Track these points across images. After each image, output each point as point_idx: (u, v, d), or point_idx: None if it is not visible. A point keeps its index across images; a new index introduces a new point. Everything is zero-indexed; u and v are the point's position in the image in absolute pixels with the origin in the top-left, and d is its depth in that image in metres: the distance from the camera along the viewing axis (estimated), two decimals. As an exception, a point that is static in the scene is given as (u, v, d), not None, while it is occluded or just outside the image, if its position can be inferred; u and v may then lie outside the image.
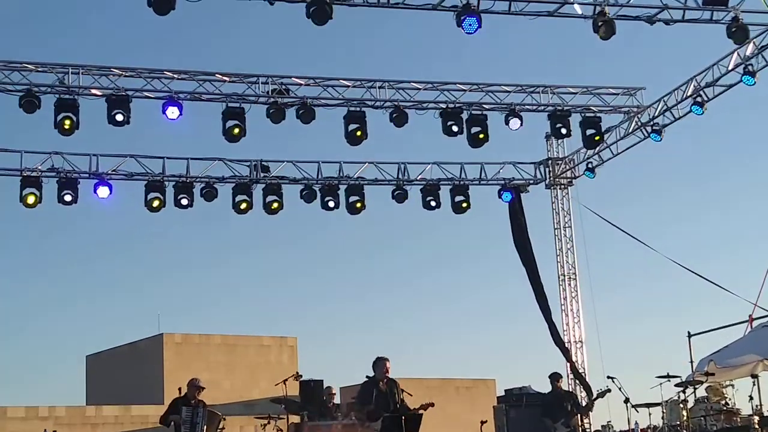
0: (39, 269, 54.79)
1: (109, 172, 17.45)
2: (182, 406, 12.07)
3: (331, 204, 18.62)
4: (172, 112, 15.77)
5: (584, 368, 21.07)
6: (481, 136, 17.45)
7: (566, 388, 15.06)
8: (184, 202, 17.59)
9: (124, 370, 40.00)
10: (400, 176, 19.36)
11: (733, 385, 17.16)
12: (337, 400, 17.83)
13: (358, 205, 18.80)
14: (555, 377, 14.44)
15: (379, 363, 12.21)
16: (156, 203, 17.51)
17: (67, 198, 16.85)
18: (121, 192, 17.83)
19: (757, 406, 16.03)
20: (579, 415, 14.61)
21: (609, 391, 14.54)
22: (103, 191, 17.17)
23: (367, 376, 12.42)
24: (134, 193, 17.73)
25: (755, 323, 18.81)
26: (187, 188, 17.70)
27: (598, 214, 21.07)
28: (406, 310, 60.10)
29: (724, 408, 16.33)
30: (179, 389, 12.64)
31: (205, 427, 12.05)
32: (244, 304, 58.97)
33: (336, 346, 57.10)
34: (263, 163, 18.43)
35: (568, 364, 19.88)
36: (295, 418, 15.52)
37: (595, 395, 14.75)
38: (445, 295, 61.10)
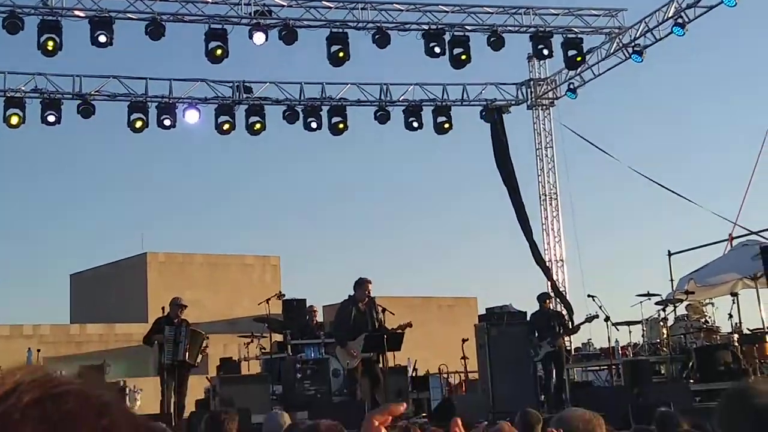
0: (22, 188, 54.49)
1: (92, 92, 17.28)
2: (165, 326, 12.10)
3: (314, 125, 18.50)
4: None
5: (565, 287, 21.32)
6: (464, 57, 17.39)
7: (554, 309, 15.27)
8: (167, 122, 17.48)
9: (108, 288, 40.15)
10: (383, 97, 19.20)
11: (713, 303, 17.45)
12: (320, 318, 18.03)
13: (341, 126, 18.68)
14: (544, 297, 14.63)
15: (361, 284, 12.31)
16: (139, 124, 17.39)
17: (51, 118, 16.83)
18: (104, 112, 17.77)
19: (736, 323, 16.31)
20: (564, 336, 14.82)
21: (596, 316, 14.73)
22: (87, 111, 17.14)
23: (349, 296, 12.52)
24: (117, 113, 17.64)
25: (735, 242, 19.02)
26: (170, 109, 17.56)
27: (580, 135, 21.05)
28: (389, 229, 60.39)
29: (704, 326, 16.62)
30: (162, 308, 12.68)
31: (188, 345, 12.09)
32: (227, 223, 59.08)
33: (319, 265, 57.49)
34: (246, 84, 18.24)
35: (549, 283, 20.08)
36: (277, 337, 15.71)
37: (582, 320, 14.94)
38: (428, 214, 61.37)
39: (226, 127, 17.89)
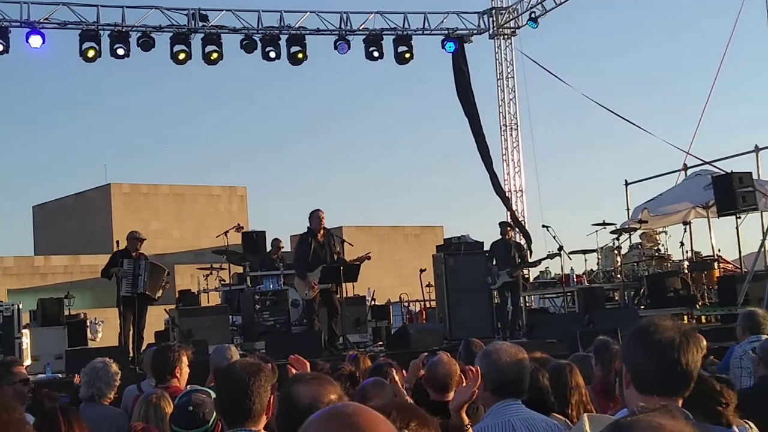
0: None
1: (41, 20, 16.84)
2: (123, 259, 12.08)
3: (272, 54, 18.23)
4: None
5: (524, 217, 21.57)
6: (425, -17, 17.12)
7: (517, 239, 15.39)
8: (121, 51, 17.05)
9: (72, 220, 39.83)
10: (343, 26, 18.96)
11: (666, 232, 17.80)
12: (287, 249, 18.12)
13: (300, 55, 18.44)
14: (505, 225, 14.60)
15: (314, 215, 12.39)
16: (91, 53, 16.97)
17: (-1, 48, 16.29)
18: (55, 41, 17.34)
19: (687, 251, 16.69)
20: (523, 267, 14.99)
21: (557, 254, 14.92)
22: (35, 40, 16.61)
23: (307, 228, 12.61)
24: (69, 42, 17.23)
25: (689, 171, 19.29)
26: (123, 38, 17.15)
27: (540, 65, 21.04)
28: (356, 159, 60.33)
29: (656, 254, 16.99)
30: (117, 242, 12.66)
31: (147, 279, 12.09)
32: (193, 154, 58.64)
33: (286, 196, 57.46)
34: (201, 11, 17.86)
35: (509, 213, 20.30)
36: (237, 269, 15.81)
37: (544, 255, 15.12)
38: (394, 144, 61.32)
39: (181, 56, 17.58)
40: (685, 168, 19.37)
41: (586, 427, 2.64)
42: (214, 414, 3.91)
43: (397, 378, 5.12)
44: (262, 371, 3.22)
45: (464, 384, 5.31)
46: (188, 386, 5.75)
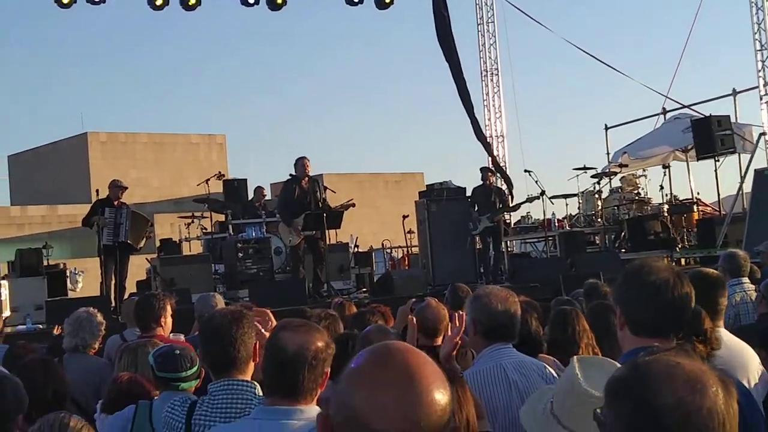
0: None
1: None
2: (104, 207, 11.94)
3: (251, 0, 17.88)
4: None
5: (505, 162, 21.54)
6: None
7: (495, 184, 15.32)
8: (95, -4, 16.64)
9: (48, 170, 39.44)
10: (322, -31, 18.61)
11: (645, 176, 17.86)
12: (269, 197, 18.03)
13: (279, 0, 18.11)
14: (486, 171, 14.54)
15: (299, 162, 12.32)
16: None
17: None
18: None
19: (667, 194, 16.77)
20: (504, 212, 14.98)
21: (537, 198, 14.91)
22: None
23: (290, 175, 12.53)
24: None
25: (668, 115, 19.31)
26: (98, -18, 16.72)
27: (521, 9, 20.80)
28: (336, 106, 59.94)
29: (636, 197, 17.05)
30: (97, 191, 12.50)
31: (129, 228, 11.97)
32: (171, 101, 58.02)
33: (266, 144, 57.11)
34: (178, -46, 17.43)
35: (490, 159, 20.24)
36: (219, 217, 15.70)
37: (524, 199, 15.10)
38: (374, 90, 60.93)
39: (158, 2, 17.22)
40: (664, 112, 19.39)
41: (576, 369, 2.62)
42: (198, 360, 3.88)
43: (380, 324, 5.10)
44: (244, 318, 3.19)
45: (450, 330, 5.33)
46: (171, 334, 5.73)
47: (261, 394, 2.97)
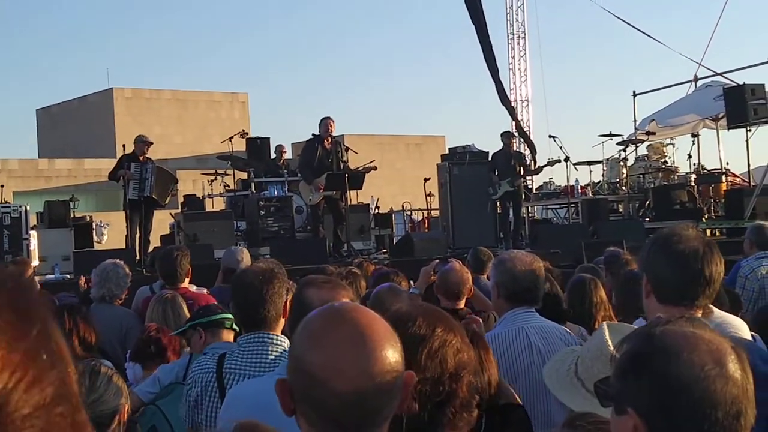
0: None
1: None
2: (130, 162, 12.01)
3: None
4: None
5: (529, 127, 21.45)
6: None
7: (516, 149, 15.22)
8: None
9: (75, 124, 39.68)
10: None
11: (673, 144, 17.68)
12: (288, 156, 18.04)
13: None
14: (506, 136, 14.40)
15: (323, 122, 12.32)
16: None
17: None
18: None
19: (695, 164, 16.58)
20: (525, 176, 14.91)
21: (559, 161, 14.81)
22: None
23: (313, 134, 12.53)
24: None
25: (699, 83, 19.04)
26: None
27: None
28: (358, 67, 59.62)
29: (663, 166, 16.89)
30: (123, 146, 12.56)
31: (154, 183, 12.04)
32: (195, 59, 57.97)
33: (287, 103, 57.02)
34: None
35: (514, 123, 20.13)
36: (242, 175, 15.75)
37: (545, 162, 15.01)
38: (395, 51, 60.50)
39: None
40: (696, 79, 19.11)
41: (606, 335, 2.62)
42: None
43: (404, 285, 5.13)
44: (276, 277, 3.20)
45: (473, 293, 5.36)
46: (194, 287, 5.83)
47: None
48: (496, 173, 13.98)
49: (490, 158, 14.32)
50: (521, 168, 14.19)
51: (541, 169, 15.53)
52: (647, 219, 15.36)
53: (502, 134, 14.45)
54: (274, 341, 3.13)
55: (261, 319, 3.13)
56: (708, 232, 14.88)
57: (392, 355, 1.53)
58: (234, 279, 3.42)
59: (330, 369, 1.50)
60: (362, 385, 1.50)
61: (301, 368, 1.54)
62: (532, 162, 16.06)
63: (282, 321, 3.19)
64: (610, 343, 2.55)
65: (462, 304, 5.02)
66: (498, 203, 14.25)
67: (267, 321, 3.14)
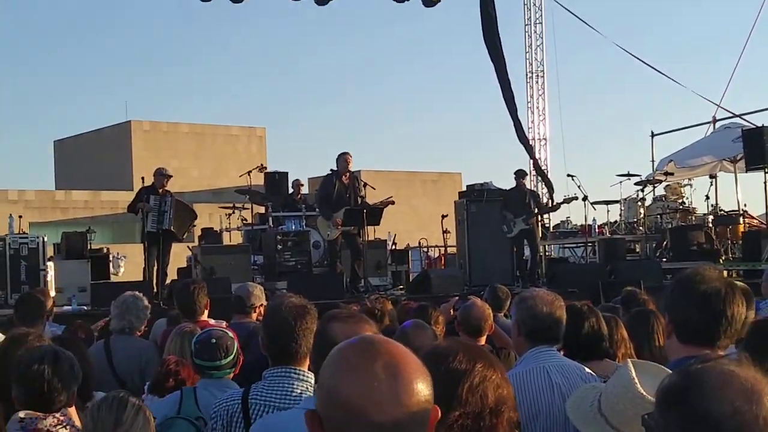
0: (5, 53, 53.48)
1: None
2: (149, 195, 12.08)
3: (299, -7, 17.91)
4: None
5: (547, 165, 21.45)
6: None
7: (530, 187, 15.19)
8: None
9: (92, 156, 39.94)
10: (371, -35, 18.62)
11: (691, 185, 17.65)
12: (305, 191, 18.11)
13: (327, -6, 18.13)
14: (520, 174, 14.39)
15: (341, 157, 12.36)
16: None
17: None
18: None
19: (712, 205, 16.53)
20: (539, 214, 14.87)
21: (576, 198, 14.78)
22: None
23: (331, 170, 12.58)
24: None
25: (718, 124, 19.05)
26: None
27: (570, 11, 20.72)
28: (375, 102, 59.97)
29: (681, 207, 16.85)
30: (142, 179, 12.63)
31: (173, 215, 12.08)
32: (213, 93, 58.48)
33: (305, 138, 57.30)
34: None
35: (531, 161, 20.14)
36: (259, 209, 15.81)
37: (562, 200, 14.98)
38: (413, 88, 60.83)
39: (208, -6, 17.35)
40: (714, 121, 19.13)
41: (632, 373, 2.62)
42: (236, 347, 4.01)
43: (441, 320, 5.11)
44: (308, 314, 3.25)
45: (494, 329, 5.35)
46: (213, 321, 5.83)
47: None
48: (509, 211, 13.93)
49: (502, 197, 14.31)
50: (536, 206, 14.16)
51: (559, 207, 15.48)
52: (664, 259, 15.28)
53: (515, 172, 14.45)
54: (301, 377, 3.15)
55: (292, 354, 3.17)
56: (725, 273, 14.78)
57: (426, 388, 1.55)
58: (268, 312, 3.45)
59: (367, 400, 1.50)
60: (399, 417, 1.50)
61: (335, 399, 1.53)
62: (549, 200, 16.05)
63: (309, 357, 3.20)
64: (636, 380, 2.54)
65: (483, 340, 5.01)
66: (514, 241, 14.21)
67: (297, 356, 3.17)
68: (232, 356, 3.98)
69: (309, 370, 3.19)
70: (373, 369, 1.52)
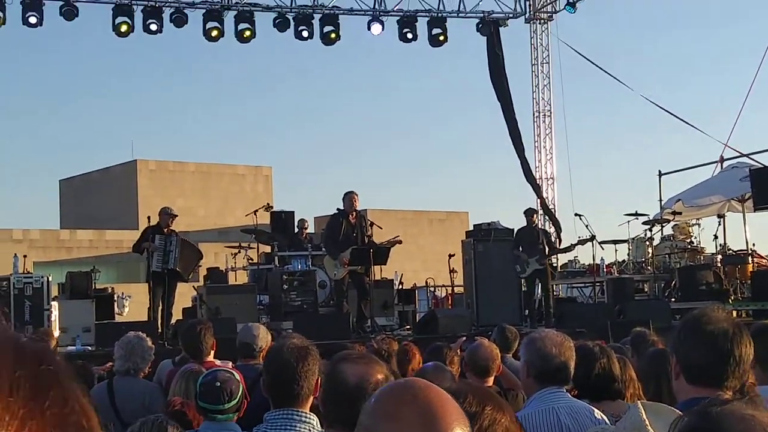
0: (10, 92, 53.93)
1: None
2: (155, 234, 12.06)
3: (305, 34, 18.08)
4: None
5: (554, 205, 21.41)
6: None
7: (541, 226, 15.15)
8: (153, 27, 16.96)
9: (98, 195, 40.04)
10: (377, 6, 18.77)
11: (699, 224, 17.59)
12: (311, 230, 18.10)
13: (333, 35, 18.31)
14: (530, 212, 14.32)
15: (347, 197, 12.33)
16: (124, 28, 16.89)
17: (32, 20, 16.19)
18: (88, 15, 17.23)
19: (721, 245, 16.46)
20: (551, 254, 14.79)
21: (589, 241, 14.72)
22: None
23: (337, 209, 12.56)
24: (101, 16, 17.15)
25: (725, 164, 19.02)
26: (157, 13, 17.07)
27: (577, 51, 20.85)
28: (383, 141, 60.22)
29: (689, 246, 16.78)
30: (148, 218, 12.62)
31: (178, 255, 12.06)
32: (219, 133, 58.79)
33: (311, 177, 57.46)
34: (235, -11, 17.73)
35: (539, 200, 20.14)
36: (265, 248, 15.78)
37: (575, 242, 14.93)
38: (421, 127, 61.12)
39: (214, 33, 17.50)
40: (722, 160, 19.10)
41: (643, 415, 2.57)
42: (240, 390, 3.98)
43: (456, 360, 5.05)
44: (310, 355, 3.23)
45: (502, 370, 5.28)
46: (219, 362, 5.77)
47: (319, 426, 2.97)
48: (522, 250, 13.85)
49: (514, 235, 14.24)
50: (547, 245, 14.07)
51: (573, 248, 15.42)
52: (673, 299, 15.18)
53: (525, 211, 14.38)
54: (303, 418, 3.11)
55: (294, 395, 3.14)
56: (734, 313, 14.66)
57: None
58: (270, 355, 3.42)
59: None
60: None
61: None
62: (557, 240, 15.99)
63: (311, 399, 3.16)
64: (647, 422, 2.51)
65: (491, 381, 4.94)
66: (524, 281, 14.13)
67: (299, 398, 3.14)
68: (236, 400, 3.96)
69: (311, 411, 3.14)
70: (410, 413, 1.49)
